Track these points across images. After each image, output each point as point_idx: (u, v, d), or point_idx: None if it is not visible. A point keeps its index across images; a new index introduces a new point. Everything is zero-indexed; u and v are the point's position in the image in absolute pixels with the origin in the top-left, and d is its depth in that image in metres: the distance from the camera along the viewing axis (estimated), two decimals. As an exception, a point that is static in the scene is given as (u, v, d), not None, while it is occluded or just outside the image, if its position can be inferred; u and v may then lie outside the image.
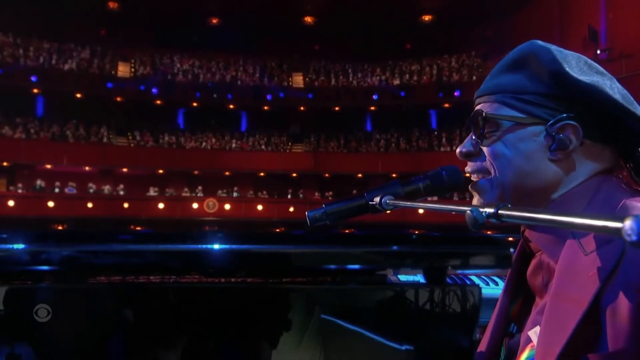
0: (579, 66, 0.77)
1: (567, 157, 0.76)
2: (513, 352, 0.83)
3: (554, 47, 0.78)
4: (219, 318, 0.91)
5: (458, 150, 0.86)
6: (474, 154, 0.84)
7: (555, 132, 0.75)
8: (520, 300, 0.86)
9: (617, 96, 0.74)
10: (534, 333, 0.76)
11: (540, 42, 0.79)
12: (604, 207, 0.73)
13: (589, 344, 0.65)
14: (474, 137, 0.83)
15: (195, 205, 20.40)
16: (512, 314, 0.87)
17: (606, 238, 0.67)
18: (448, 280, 0.97)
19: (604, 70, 0.79)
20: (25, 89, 20.57)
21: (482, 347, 0.88)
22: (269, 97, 22.68)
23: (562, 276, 0.72)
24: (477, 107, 0.83)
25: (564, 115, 0.75)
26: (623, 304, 0.63)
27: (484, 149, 0.81)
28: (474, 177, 0.85)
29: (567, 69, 0.75)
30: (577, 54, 0.80)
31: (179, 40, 22.33)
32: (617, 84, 0.78)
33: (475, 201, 0.84)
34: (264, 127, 23.12)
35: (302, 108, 23.07)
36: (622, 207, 0.71)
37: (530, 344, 0.76)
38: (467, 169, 0.86)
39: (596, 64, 0.79)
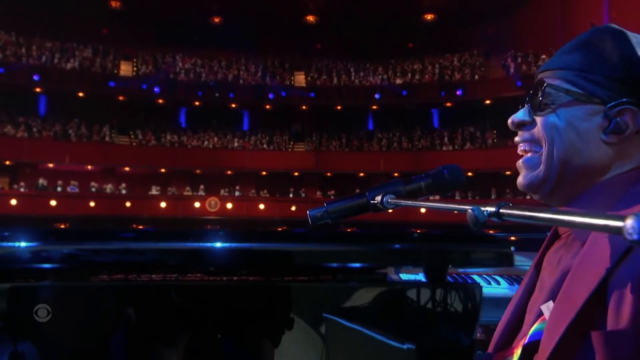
0: None
1: (621, 143, 0.76)
2: None
3: (628, 32, 0.78)
4: (221, 316, 0.92)
5: (510, 120, 0.86)
6: (527, 124, 0.83)
7: (613, 115, 0.75)
8: None
9: None
10: (546, 307, 0.77)
11: (615, 26, 0.79)
12: (638, 200, 0.72)
13: (594, 323, 0.66)
14: (529, 108, 0.83)
15: (197, 204, 20.42)
16: None
17: None
18: (449, 279, 0.97)
19: None
20: (28, 87, 20.59)
21: (501, 326, 0.88)
22: (270, 96, 22.67)
23: (584, 255, 0.72)
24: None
25: (625, 99, 0.74)
26: (628, 289, 0.63)
27: (538, 118, 0.81)
28: (520, 149, 0.85)
29: None
30: None
31: (181, 39, 22.34)
32: None
33: (520, 179, 0.83)
34: (265, 126, 23.12)
35: (304, 107, 23.05)
36: None
37: (542, 317, 0.77)
38: (517, 138, 0.85)
39: None
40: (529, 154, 0.83)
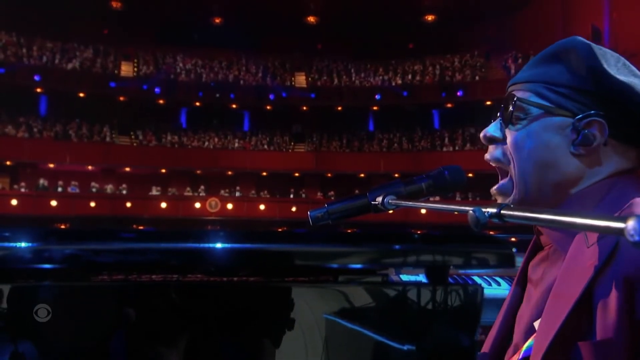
0: (617, 66, 0.77)
1: (590, 154, 0.77)
2: None
3: (594, 45, 0.79)
4: (222, 317, 0.92)
5: (482, 133, 0.86)
6: (498, 140, 0.84)
7: (581, 127, 0.76)
8: None
9: None
10: (538, 324, 0.77)
11: (581, 38, 0.80)
12: (614, 206, 0.73)
13: (580, 334, 0.67)
14: (500, 122, 0.84)
15: (197, 205, 20.43)
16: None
17: None
18: (450, 280, 0.96)
19: None
20: (29, 88, 20.62)
21: (490, 338, 0.88)
22: (271, 96, 22.68)
23: (565, 269, 0.73)
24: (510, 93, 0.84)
25: (593, 111, 0.75)
26: (613, 295, 0.64)
27: (508, 135, 0.82)
28: (492, 163, 0.86)
29: (605, 66, 0.75)
30: (617, 54, 0.80)
31: (181, 39, 22.36)
32: None
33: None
34: (266, 126, 23.13)
35: (304, 107, 23.07)
36: (629, 206, 0.71)
37: (534, 334, 0.77)
38: (487, 156, 0.86)
39: (633, 67, 0.80)
40: (501, 181, 0.84)
